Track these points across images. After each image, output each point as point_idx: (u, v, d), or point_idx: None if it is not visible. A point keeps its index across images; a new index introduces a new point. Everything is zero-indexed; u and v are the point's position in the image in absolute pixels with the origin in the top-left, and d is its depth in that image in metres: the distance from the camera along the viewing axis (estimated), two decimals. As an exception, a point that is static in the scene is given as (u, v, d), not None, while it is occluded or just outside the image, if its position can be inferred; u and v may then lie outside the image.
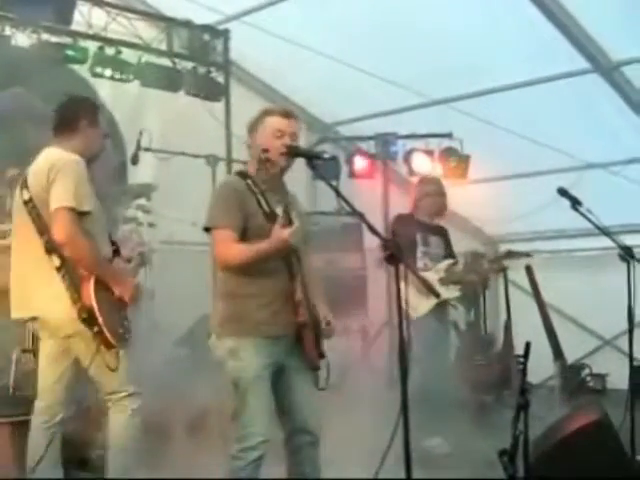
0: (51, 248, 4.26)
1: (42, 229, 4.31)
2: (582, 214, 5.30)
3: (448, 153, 9.01)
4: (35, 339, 5.60)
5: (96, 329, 4.20)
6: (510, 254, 7.51)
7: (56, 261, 4.27)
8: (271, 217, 4.07)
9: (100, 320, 4.20)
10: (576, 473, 4.50)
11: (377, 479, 3.79)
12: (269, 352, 4.06)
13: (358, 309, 8.45)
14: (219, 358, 4.11)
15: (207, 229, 4.12)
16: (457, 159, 8.99)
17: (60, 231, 4.17)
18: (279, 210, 4.12)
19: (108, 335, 4.21)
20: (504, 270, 7.91)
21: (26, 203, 4.38)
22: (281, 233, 3.92)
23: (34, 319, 4.48)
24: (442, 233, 7.15)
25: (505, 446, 3.75)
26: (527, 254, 7.67)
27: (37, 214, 4.34)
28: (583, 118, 8.02)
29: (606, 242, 5.60)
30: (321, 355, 4.18)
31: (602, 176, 8.68)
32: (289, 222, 3.98)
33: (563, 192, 5.39)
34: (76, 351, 4.43)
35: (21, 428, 5.35)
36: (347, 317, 7.89)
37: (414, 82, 8.08)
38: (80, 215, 4.25)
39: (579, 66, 7.59)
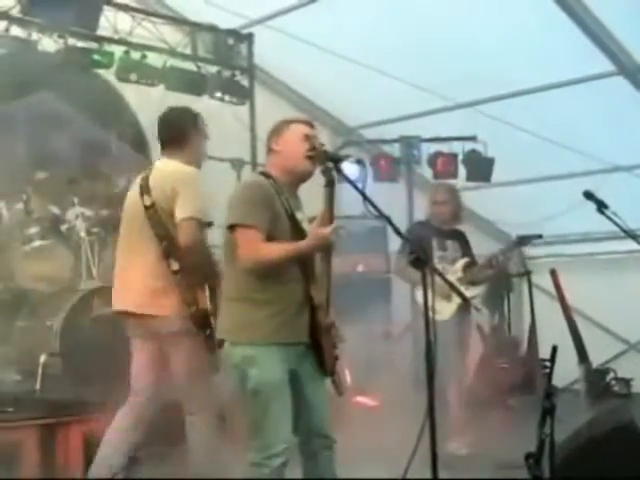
0: (170, 252, 4.48)
1: (162, 234, 4.51)
2: (608, 217, 5.26)
3: (472, 156, 8.99)
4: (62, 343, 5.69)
5: (208, 332, 4.50)
6: (521, 240, 7.47)
7: (174, 265, 4.49)
8: (292, 220, 4.04)
9: (213, 324, 4.46)
10: (602, 476, 4.48)
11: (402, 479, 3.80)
12: (285, 358, 4.00)
13: (382, 312, 8.45)
14: (234, 366, 4.02)
15: (232, 227, 3.98)
16: (481, 162, 8.97)
17: (188, 239, 4.40)
18: (299, 215, 4.12)
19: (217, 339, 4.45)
20: (529, 274, 7.90)
21: (147, 208, 4.57)
22: (322, 230, 3.85)
23: (132, 315, 4.63)
24: (459, 237, 7.15)
25: (529, 449, 3.75)
26: (538, 236, 7.60)
27: (158, 220, 4.52)
28: (608, 120, 7.99)
29: (631, 245, 5.55)
30: (336, 358, 4.16)
31: (627, 179, 8.64)
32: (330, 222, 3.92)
33: (589, 195, 5.35)
34: (170, 351, 4.61)
35: (47, 430, 5.42)
36: (371, 320, 7.90)
37: (438, 86, 8.08)
38: (201, 225, 4.52)
39: (604, 68, 7.56)
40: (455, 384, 6.73)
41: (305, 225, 4.14)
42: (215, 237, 5.79)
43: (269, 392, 3.96)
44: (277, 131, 4.22)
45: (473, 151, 8.99)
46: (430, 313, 3.46)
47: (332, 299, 4.16)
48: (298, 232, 4.03)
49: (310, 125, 4.24)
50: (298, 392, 4.11)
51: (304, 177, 4.18)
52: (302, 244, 3.93)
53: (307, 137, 4.11)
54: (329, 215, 3.90)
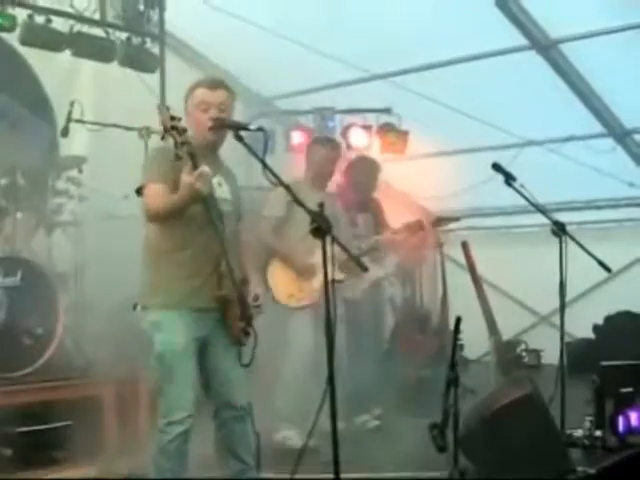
0: None
1: None
2: (515, 189, 5.30)
3: (386, 128, 8.97)
4: None
5: None
6: (439, 221, 7.53)
7: None
8: None
9: None
10: (505, 445, 4.55)
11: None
12: (195, 326, 4.01)
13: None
14: (144, 330, 4.07)
15: (140, 190, 4.00)
16: (396, 134, 8.96)
17: None
18: (215, 179, 4.04)
19: None
20: (440, 245, 7.93)
21: None
22: (186, 179, 3.76)
23: None
24: (370, 208, 7.15)
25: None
26: (456, 218, 7.71)
27: None
28: (521, 95, 8.02)
29: (543, 219, 5.62)
30: (246, 331, 4.06)
31: (540, 154, 8.73)
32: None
33: (497, 167, 5.39)
34: None
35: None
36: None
37: (353, 56, 8.00)
38: None
39: (517, 43, 7.58)
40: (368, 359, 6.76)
41: (224, 189, 4.18)
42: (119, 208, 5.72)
43: (171, 358, 3.96)
44: (186, 99, 4.22)
45: (388, 123, 8.96)
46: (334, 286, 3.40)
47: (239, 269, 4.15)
48: (210, 195, 3.93)
49: (212, 86, 4.16)
50: (210, 360, 4.12)
51: (214, 145, 4.17)
52: (176, 195, 3.86)
53: (206, 104, 4.09)
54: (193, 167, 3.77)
